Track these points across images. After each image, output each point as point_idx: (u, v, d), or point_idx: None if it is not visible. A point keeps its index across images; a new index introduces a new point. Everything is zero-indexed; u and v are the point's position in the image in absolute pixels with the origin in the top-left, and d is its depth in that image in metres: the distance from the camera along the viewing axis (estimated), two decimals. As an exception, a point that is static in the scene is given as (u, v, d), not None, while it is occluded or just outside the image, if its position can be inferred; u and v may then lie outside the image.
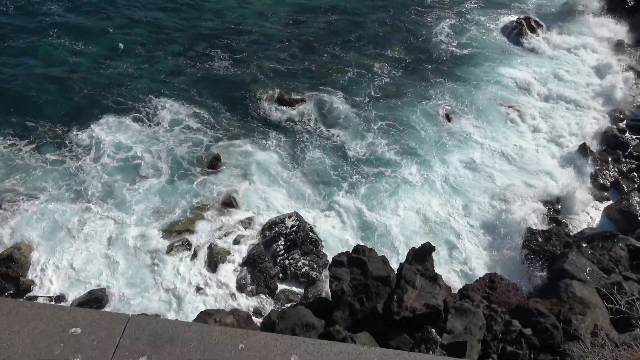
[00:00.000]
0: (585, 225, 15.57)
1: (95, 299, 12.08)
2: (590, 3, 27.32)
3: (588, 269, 11.88)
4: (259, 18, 25.40)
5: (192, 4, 26.05)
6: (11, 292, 12.26)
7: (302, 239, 13.63)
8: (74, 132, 17.16)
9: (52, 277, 12.74)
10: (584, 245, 13.86)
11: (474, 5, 28.49)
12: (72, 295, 12.45)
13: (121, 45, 21.91)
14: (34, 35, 21.95)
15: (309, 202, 15.72)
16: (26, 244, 13.34)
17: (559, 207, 15.89)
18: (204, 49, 22.43)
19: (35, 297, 12.20)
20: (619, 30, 25.99)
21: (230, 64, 21.65)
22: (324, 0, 27.51)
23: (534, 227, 14.32)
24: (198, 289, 12.74)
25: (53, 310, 3.47)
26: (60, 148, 16.52)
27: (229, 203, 14.99)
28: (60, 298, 12.30)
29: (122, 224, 14.21)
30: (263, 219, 14.82)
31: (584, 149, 17.80)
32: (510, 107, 20.22)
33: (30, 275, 12.75)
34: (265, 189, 15.87)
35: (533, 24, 25.88)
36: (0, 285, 12.26)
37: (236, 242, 13.91)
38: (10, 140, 16.54)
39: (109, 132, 17.27)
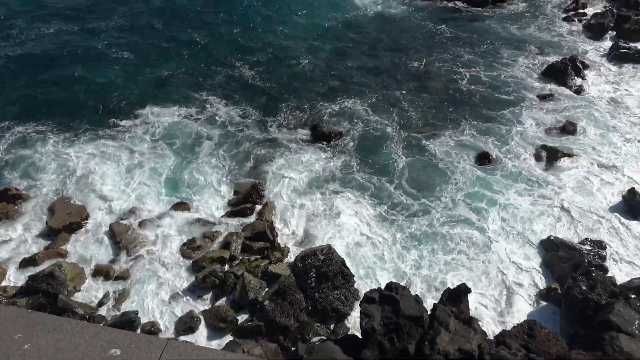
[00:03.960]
0: (634, 275, 14.73)
1: (127, 321, 12.30)
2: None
3: (637, 322, 11.16)
4: (303, 51, 26.23)
5: (239, 36, 27.31)
6: (49, 310, 12.65)
7: (334, 273, 13.51)
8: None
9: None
10: (633, 296, 13.06)
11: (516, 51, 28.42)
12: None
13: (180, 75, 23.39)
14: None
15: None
16: (69, 263, 13.86)
17: (605, 253, 15.14)
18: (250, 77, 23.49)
19: (75, 314, 12.53)
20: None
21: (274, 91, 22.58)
22: (367, 36, 28.23)
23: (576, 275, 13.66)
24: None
25: (95, 330, 3.57)
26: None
27: (264, 233, 15.11)
28: (95, 318, 12.59)
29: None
30: (295, 250, 14.92)
31: (632, 194, 17.10)
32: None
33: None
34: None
35: (579, 64, 25.46)
36: (39, 302, 12.70)
37: (268, 274, 13.95)
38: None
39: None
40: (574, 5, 33.39)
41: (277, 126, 20.61)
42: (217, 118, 20.73)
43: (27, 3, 29.42)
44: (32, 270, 13.63)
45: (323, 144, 19.58)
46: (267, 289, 13.46)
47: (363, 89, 23.54)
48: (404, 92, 23.45)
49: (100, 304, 13.18)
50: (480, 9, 33.34)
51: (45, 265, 13.70)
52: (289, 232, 15.80)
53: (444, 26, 30.20)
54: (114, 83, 22.31)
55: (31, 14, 28.19)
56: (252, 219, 15.94)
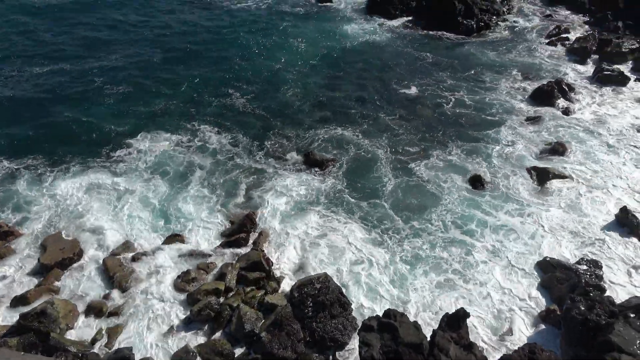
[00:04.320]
0: (631, 293, 14.68)
1: (122, 358, 12.02)
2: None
3: (638, 342, 11.06)
4: (294, 79, 26.62)
5: (230, 68, 27.74)
6: (40, 349, 12.33)
7: (331, 301, 13.35)
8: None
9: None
10: (632, 315, 12.97)
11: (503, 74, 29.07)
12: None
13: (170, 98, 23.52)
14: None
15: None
16: (61, 299, 13.61)
17: (601, 272, 15.12)
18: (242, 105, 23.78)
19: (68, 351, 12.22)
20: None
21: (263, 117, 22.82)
22: (355, 63, 28.79)
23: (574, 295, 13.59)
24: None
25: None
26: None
27: (261, 263, 14.99)
28: (88, 356, 12.29)
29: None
30: (291, 279, 14.79)
31: (625, 212, 17.23)
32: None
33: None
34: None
35: (565, 87, 26.01)
36: (31, 341, 12.38)
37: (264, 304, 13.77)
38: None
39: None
40: (556, 30, 34.36)
41: (269, 154, 20.73)
42: (209, 147, 20.83)
43: (21, 41, 29.78)
44: (24, 309, 13.35)
45: (316, 170, 19.64)
46: (263, 320, 13.25)
47: (352, 115, 23.87)
48: (392, 117, 23.78)
49: (94, 341, 12.89)
50: (465, 36, 34.18)
51: (37, 303, 13.43)
52: (285, 260, 15.68)
53: (429, 54, 30.85)
54: (107, 116, 22.45)
55: (26, 51, 28.49)
56: (247, 249, 15.84)
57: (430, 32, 34.38)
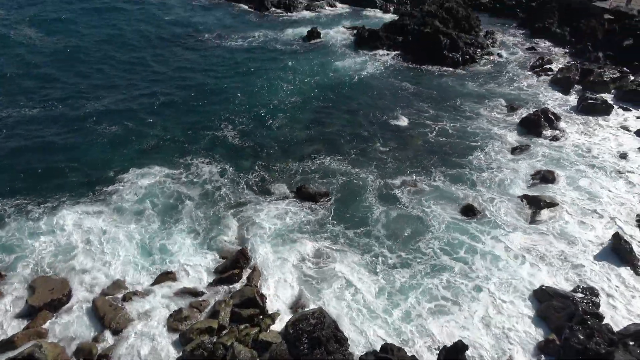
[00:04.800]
0: (629, 320, 14.58)
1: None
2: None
3: (639, 370, 10.90)
4: (286, 112, 26.97)
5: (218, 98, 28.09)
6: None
7: (327, 337, 13.09)
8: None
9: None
10: (631, 343, 12.86)
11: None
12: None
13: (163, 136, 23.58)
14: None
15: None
16: (49, 343, 13.22)
17: (598, 300, 15.04)
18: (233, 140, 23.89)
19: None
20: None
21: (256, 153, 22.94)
22: (345, 96, 29.28)
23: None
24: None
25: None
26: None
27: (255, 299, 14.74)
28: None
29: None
30: (286, 314, 14.53)
31: (618, 238, 17.32)
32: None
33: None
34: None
35: (551, 116, 26.58)
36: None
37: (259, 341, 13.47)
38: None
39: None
40: (539, 61, 35.42)
41: (261, 187, 20.73)
42: (200, 182, 20.72)
43: (11, 79, 30.02)
44: (11, 354, 12.92)
45: (309, 204, 19.62)
46: (258, 359, 12.92)
47: (341, 146, 24.12)
48: (384, 147, 24.06)
49: (82, 386, 12.46)
50: (452, 69, 35.08)
51: (24, 347, 13.01)
52: (279, 295, 15.43)
53: (417, 86, 31.57)
54: (98, 154, 22.35)
55: (10, 88, 28.64)
56: (240, 285, 15.60)
57: (418, 66, 35.27)
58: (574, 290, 15.47)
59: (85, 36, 38.91)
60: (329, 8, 50.62)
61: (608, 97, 29.74)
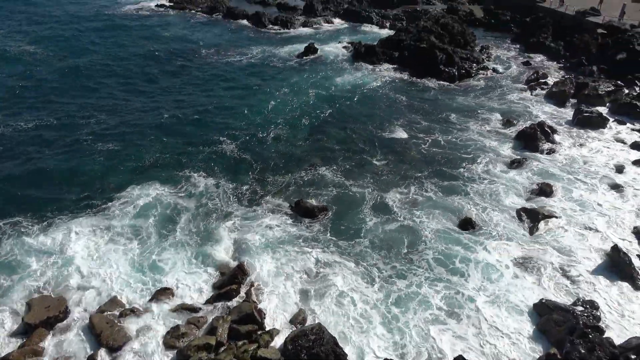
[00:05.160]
0: (631, 333, 14.48)
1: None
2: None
3: (641, 384, 10.80)
4: (284, 126, 27.09)
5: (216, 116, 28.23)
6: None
7: (326, 353, 12.96)
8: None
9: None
10: (633, 356, 12.75)
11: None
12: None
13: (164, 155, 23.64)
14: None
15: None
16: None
17: (599, 313, 14.96)
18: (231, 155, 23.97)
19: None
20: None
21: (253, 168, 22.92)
22: (342, 110, 29.46)
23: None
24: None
25: None
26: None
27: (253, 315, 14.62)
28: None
29: None
30: (285, 330, 14.39)
31: (617, 250, 17.30)
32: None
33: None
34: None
35: (547, 129, 26.75)
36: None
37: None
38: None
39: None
40: (535, 75, 35.79)
41: (259, 201, 20.69)
42: (198, 197, 20.63)
43: (8, 96, 30.14)
44: (5, 373, 12.77)
45: (307, 219, 19.58)
46: (256, 376, 12.77)
47: (338, 158, 24.25)
48: (377, 160, 24.17)
49: (78, 405, 12.26)
50: (449, 83, 35.41)
51: (19, 366, 12.85)
52: (278, 310, 15.29)
53: (413, 100, 31.83)
54: (96, 171, 22.28)
55: (8, 106, 28.73)
56: (239, 300, 15.48)
57: (414, 80, 35.62)
58: (574, 304, 15.39)
59: (84, 53, 39.31)
60: (326, 24, 51.26)
61: (603, 110, 30.00)
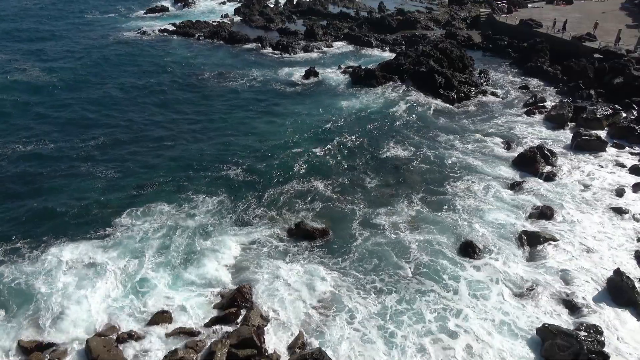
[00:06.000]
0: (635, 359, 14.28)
1: None
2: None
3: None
4: (284, 150, 27.22)
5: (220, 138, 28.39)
6: None
7: (326, 379, 12.74)
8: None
9: None
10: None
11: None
12: None
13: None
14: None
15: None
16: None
17: (602, 338, 14.75)
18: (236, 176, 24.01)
19: None
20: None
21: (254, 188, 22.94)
22: (344, 132, 29.65)
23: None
24: None
25: None
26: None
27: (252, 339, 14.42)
28: None
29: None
30: (285, 355, 14.18)
31: (619, 274, 17.16)
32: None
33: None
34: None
35: (547, 152, 26.84)
36: None
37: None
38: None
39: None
40: (533, 99, 36.12)
41: (259, 223, 20.68)
42: (197, 219, 20.60)
43: (7, 119, 30.37)
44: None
45: (307, 242, 19.54)
46: (255, 402, 12.52)
47: (342, 183, 24.26)
48: (377, 180, 24.20)
49: None
50: (449, 105, 35.70)
51: (13, 391, 12.62)
52: (278, 334, 15.10)
53: (414, 123, 32.04)
54: (96, 195, 22.22)
55: (6, 131, 28.91)
56: (238, 324, 15.29)
57: (414, 102, 35.81)
58: (578, 329, 15.20)
59: (86, 76, 39.83)
60: (326, 48, 52.02)
61: (602, 133, 30.15)
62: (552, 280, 17.59)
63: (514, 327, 15.50)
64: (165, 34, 55.78)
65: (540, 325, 15.37)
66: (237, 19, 65.33)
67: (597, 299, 16.73)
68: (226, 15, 66.53)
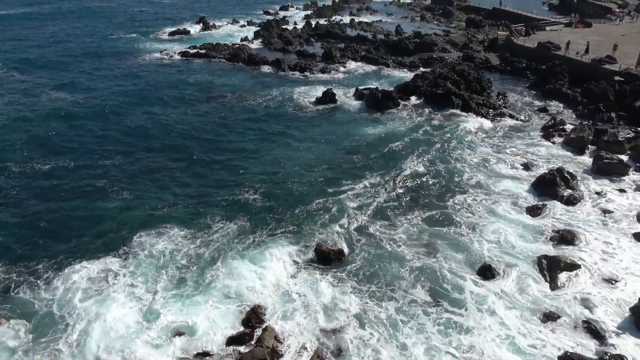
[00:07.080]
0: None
1: None
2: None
3: None
4: (301, 172, 27.36)
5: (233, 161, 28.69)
6: None
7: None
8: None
9: None
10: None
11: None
12: None
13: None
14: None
15: None
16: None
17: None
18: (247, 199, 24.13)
19: None
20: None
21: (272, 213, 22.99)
22: (363, 158, 29.71)
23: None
24: None
25: None
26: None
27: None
28: None
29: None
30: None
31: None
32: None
33: None
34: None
35: (567, 175, 26.37)
36: None
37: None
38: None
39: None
40: (552, 122, 35.73)
41: (276, 243, 20.57)
42: (215, 240, 20.67)
43: (22, 138, 31.16)
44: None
45: (324, 263, 19.47)
46: None
47: (358, 205, 24.11)
48: (394, 202, 24.06)
49: None
50: (466, 126, 35.51)
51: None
52: (293, 356, 14.94)
53: (431, 145, 31.96)
54: (110, 216, 22.46)
55: (25, 149, 29.64)
56: (251, 345, 15.21)
57: (428, 127, 35.67)
58: (602, 358, 14.71)
59: (108, 97, 40.78)
60: (343, 69, 52.60)
61: (624, 157, 29.59)
62: (574, 307, 17.12)
63: (538, 356, 15.05)
64: (185, 57, 57.12)
65: (562, 353, 14.92)
66: (257, 41, 66.65)
67: (621, 328, 16.20)
68: (246, 38, 67.90)
